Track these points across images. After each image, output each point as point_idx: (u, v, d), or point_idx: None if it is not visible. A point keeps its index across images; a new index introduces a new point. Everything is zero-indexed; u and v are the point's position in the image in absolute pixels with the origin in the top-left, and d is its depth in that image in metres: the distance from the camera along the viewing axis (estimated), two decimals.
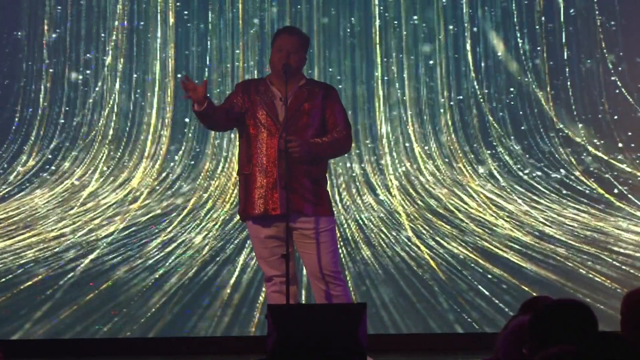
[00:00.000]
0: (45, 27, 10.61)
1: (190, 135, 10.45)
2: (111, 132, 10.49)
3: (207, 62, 10.63)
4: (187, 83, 6.03)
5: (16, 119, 10.50)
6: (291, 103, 6.12)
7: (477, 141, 10.45)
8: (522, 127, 10.49)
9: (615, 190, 10.06)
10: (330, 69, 10.61)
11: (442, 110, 10.54)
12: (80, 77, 10.59)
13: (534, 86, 10.55)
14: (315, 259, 6.10)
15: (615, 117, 10.45)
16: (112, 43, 10.64)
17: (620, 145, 10.36)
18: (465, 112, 10.55)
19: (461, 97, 10.56)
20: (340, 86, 10.46)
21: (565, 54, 10.58)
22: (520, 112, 10.53)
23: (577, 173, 10.24)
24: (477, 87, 10.56)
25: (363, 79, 10.61)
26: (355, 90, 10.60)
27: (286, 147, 6.01)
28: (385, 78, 10.59)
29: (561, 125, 10.48)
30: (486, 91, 10.55)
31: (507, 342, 3.70)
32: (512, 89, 10.57)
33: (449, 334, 8.22)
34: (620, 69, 10.51)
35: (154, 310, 8.37)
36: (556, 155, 10.35)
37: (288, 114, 6.09)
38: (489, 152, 10.41)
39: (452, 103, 10.56)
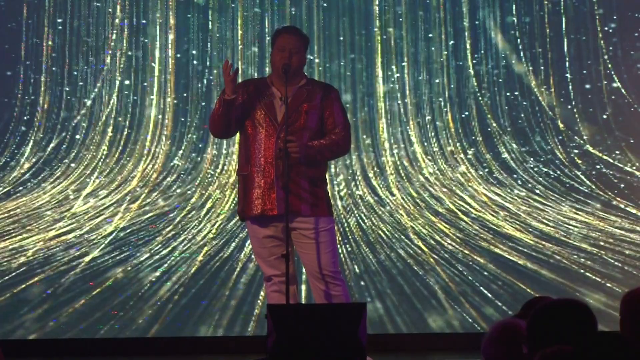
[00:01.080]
0: (45, 27, 10.61)
1: (190, 134, 10.45)
2: (111, 131, 10.49)
3: (207, 62, 10.63)
4: (228, 71, 6.05)
5: (14, 113, 10.50)
6: (290, 103, 6.12)
7: (478, 140, 10.45)
8: (523, 126, 10.48)
9: (616, 189, 10.06)
10: (329, 70, 10.61)
11: (442, 109, 10.54)
12: (80, 76, 10.59)
13: (533, 84, 10.55)
14: (314, 259, 6.11)
15: (618, 117, 10.45)
16: (112, 42, 10.63)
17: (621, 143, 10.36)
18: (466, 110, 10.54)
19: (461, 94, 10.56)
20: (338, 82, 10.46)
21: (566, 47, 10.57)
22: (520, 111, 10.53)
23: (577, 172, 10.24)
24: (476, 85, 10.56)
25: (363, 76, 10.61)
26: (356, 87, 10.59)
27: (285, 147, 6.01)
28: (388, 74, 10.59)
29: (561, 124, 10.48)
30: (485, 89, 10.55)
31: (488, 345, 3.70)
32: (513, 88, 10.56)
33: (449, 333, 8.22)
34: (622, 68, 10.51)
35: (154, 310, 8.37)
36: (556, 154, 10.35)
37: (286, 114, 6.10)
38: (489, 150, 10.41)
39: (453, 101, 10.56)
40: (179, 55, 10.64)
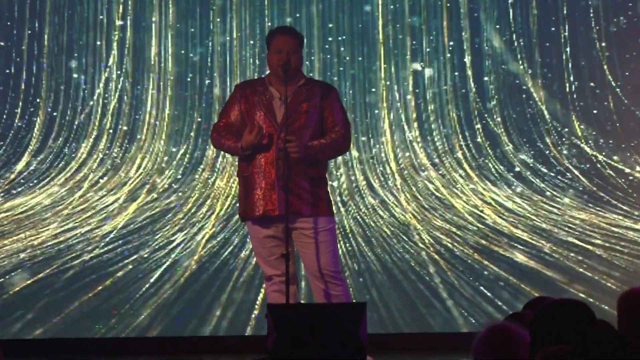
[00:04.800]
0: (46, 27, 10.61)
1: (191, 134, 10.45)
2: (110, 131, 10.49)
3: (208, 62, 10.63)
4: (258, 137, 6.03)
5: (15, 114, 10.51)
6: (290, 103, 6.10)
7: (478, 139, 10.45)
8: (523, 126, 10.48)
9: (614, 188, 10.06)
10: (331, 72, 10.60)
11: (443, 108, 10.54)
12: (82, 77, 10.59)
13: (530, 84, 10.55)
14: (315, 259, 6.10)
15: (617, 117, 10.46)
16: (115, 43, 10.63)
17: (620, 141, 10.37)
18: (467, 110, 10.55)
19: (462, 94, 10.56)
20: (336, 80, 10.46)
21: (567, 51, 10.57)
22: (519, 110, 10.53)
23: (576, 171, 10.24)
24: (473, 85, 10.56)
25: (365, 75, 10.61)
26: (356, 87, 10.59)
27: (285, 147, 6.00)
28: (388, 76, 10.59)
29: (558, 125, 10.48)
30: (485, 89, 10.55)
31: (478, 346, 3.69)
32: (512, 90, 10.57)
33: (449, 333, 8.21)
34: (618, 71, 10.52)
35: (154, 310, 8.37)
36: (557, 155, 10.35)
37: (286, 114, 6.08)
38: (490, 150, 10.41)
39: (454, 100, 10.56)
40: (179, 54, 10.64)
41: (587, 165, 10.28)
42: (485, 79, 10.58)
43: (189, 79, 10.61)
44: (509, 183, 10.19)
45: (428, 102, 10.58)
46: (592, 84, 10.57)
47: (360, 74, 10.62)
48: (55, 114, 10.51)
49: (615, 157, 10.31)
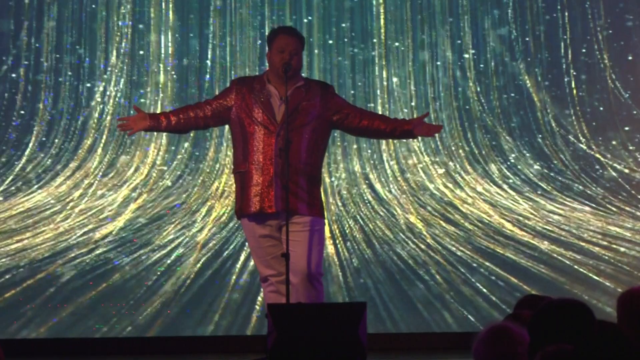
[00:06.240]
0: (46, 29, 10.62)
1: (191, 134, 10.45)
2: (110, 131, 10.50)
3: (208, 61, 10.63)
4: (124, 121, 6.14)
5: (16, 114, 10.51)
6: (289, 102, 6.10)
7: (478, 139, 10.45)
8: (523, 126, 10.48)
9: (613, 188, 10.06)
10: (331, 65, 10.61)
11: (442, 108, 10.54)
12: (82, 77, 10.60)
13: (528, 84, 10.55)
14: (302, 258, 6.08)
15: (616, 116, 10.46)
16: (116, 45, 10.63)
17: (621, 140, 10.37)
18: (466, 110, 10.55)
19: (461, 93, 10.56)
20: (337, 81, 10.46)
21: (567, 52, 10.58)
22: (520, 111, 10.54)
23: (577, 171, 10.24)
24: (471, 84, 10.56)
25: (364, 73, 10.62)
26: (356, 85, 10.60)
27: (287, 146, 6.00)
28: (384, 73, 10.60)
29: (558, 125, 10.48)
30: (484, 88, 10.56)
31: (478, 346, 3.70)
32: (511, 89, 10.57)
33: (449, 333, 8.21)
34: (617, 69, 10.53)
35: (154, 310, 8.37)
36: (557, 155, 10.35)
37: (286, 113, 6.08)
38: (489, 149, 10.41)
39: (456, 100, 10.56)
40: (179, 55, 10.64)
41: (588, 166, 10.28)
42: (486, 80, 10.59)
43: (188, 78, 10.61)
44: (509, 183, 10.19)
45: (429, 101, 10.58)
46: (592, 84, 10.58)
47: (360, 73, 10.62)
48: (55, 113, 10.51)
49: (615, 157, 10.31)
